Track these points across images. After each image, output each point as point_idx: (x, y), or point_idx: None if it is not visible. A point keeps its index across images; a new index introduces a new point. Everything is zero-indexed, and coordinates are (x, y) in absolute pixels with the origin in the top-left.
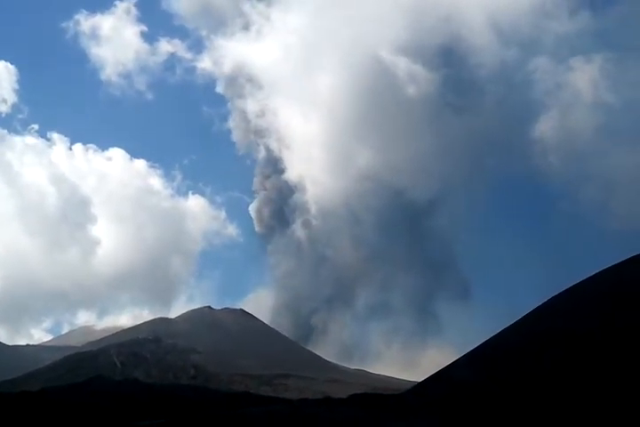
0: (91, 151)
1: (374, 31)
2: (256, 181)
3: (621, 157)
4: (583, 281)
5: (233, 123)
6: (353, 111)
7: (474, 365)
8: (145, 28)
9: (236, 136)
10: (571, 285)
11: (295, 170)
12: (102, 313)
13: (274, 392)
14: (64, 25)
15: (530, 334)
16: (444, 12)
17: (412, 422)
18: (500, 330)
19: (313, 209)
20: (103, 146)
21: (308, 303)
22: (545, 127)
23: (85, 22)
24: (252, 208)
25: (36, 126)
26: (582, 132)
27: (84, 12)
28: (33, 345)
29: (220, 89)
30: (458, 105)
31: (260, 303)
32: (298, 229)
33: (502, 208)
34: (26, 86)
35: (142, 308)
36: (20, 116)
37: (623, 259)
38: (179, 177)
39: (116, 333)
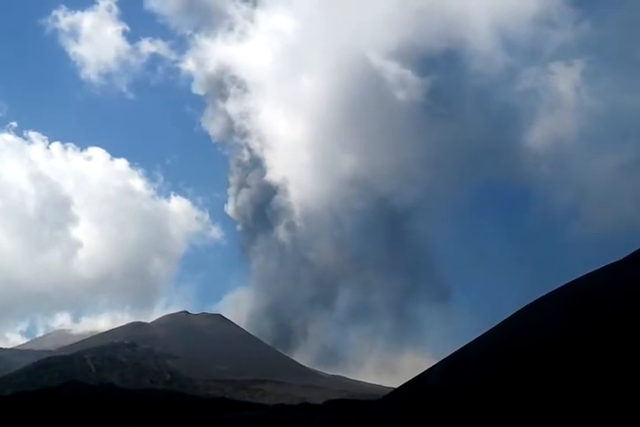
0: (70, 150)
1: (363, 34)
2: (234, 180)
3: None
4: (562, 287)
5: (215, 123)
6: (338, 115)
7: (448, 372)
8: (127, 28)
9: (218, 136)
10: (549, 291)
11: (278, 172)
12: (81, 316)
13: (250, 398)
14: (42, 21)
15: (505, 343)
16: (436, 17)
17: None
18: (475, 337)
19: (297, 211)
20: (82, 145)
21: (289, 306)
22: (531, 135)
23: (64, 19)
24: (230, 207)
25: (14, 124)
26: (567, 139)
27: (63, 8)
28: (6, 349)
29: (202, 89)
30: (444, 111)
31: (241, 307)
32: (281, 232)
33: (484, 213)
34: (4, 83)
35: (122, 311)
36: None
37: (603, 265)
38: (160, 178)
39: (92, 337)
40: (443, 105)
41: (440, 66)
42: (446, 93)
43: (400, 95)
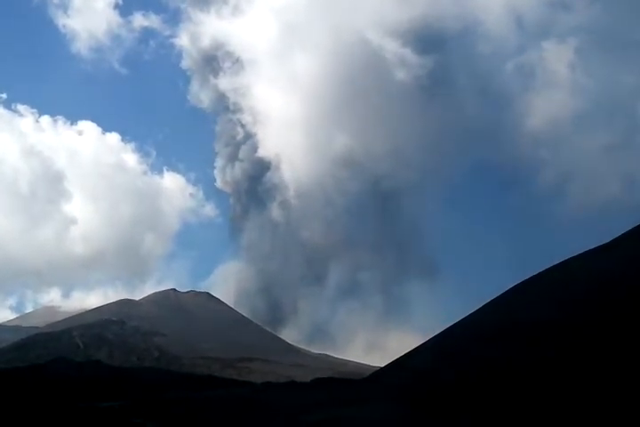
0: (60, 123)
1: (363, 11)
2: (224, 153)
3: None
4: (549, 269)
5: (207, 99)
6: (334, 94)
7: (434, 352)
8: (119, 0)
9: (211, 112)
10: (536, 270)
11: (270, 149)
12: (72, 292)
13: (237, 375)
14: None
15: (490, 324)
16: None
17: (373, 407)
18: (463, 317)
19: (290, 189)
20: (72, 118)
21: (279, 284)
22: (527, 116)
23: None
24: (218, 180)
25: (4, 96)
26: (561, 119)
27: None
28: None
29: (195, 64)
30: (441, 92)
31: (230, 284)
32: (273, 209)
33: (474, 194)
34: None
35: (114, 287)
36: None
37: (590, 244)
38: (153, 153)
39: (80, 314)
40: (440, 86)
41: (440, 45)
42: (444, 74)
43: (398, 75)
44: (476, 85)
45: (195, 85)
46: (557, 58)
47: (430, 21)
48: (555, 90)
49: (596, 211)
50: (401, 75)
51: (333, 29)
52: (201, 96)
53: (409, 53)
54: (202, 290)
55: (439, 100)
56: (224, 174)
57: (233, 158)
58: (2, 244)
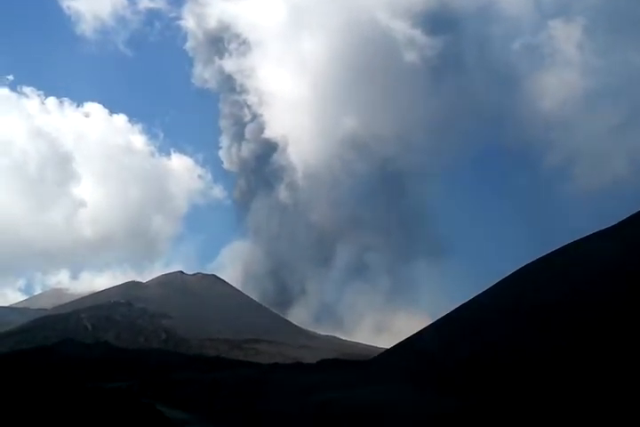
0: (66, 105)
1: None
2: (230, 133)
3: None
4: (557, 250)
5: (214, 80)
6: (342, 76)
7: (441, 334)
8: None
9: (218, 93)
10: (543, 254)
11: (277, 130)
12: (81, 274)
13: (245, 357)
14: None
15: (498, 305)
16: None
17: (379, 388)
18: (468, 299)
19: (298, 171)
20: (78, 100)
21: (287, 266)
22: (538, 98)
23: None
24: (224, 160)
25: (11, 77)
26: (571, 101)
27: None
28: (2, 307)
29: (200, 46)
30: (450, 74)
31: (237, 265)
32: (280, 191)
33: (482, 175)
34: None
35: (123, 270)
36: None
37: (596, 224)
38: (160, 134)
39: (88, 296)
40: (449, 67)
41: (451, 26)
42: (454, 55)
43: (408, 56)
44: (486, 66)
45: (199, 67)
46: (566, 37)
47: (442, 1)
48: (563, 70)
49: (603, 191)
50: (410, 56)
51: (342, 10)
52: (207, 77)
53: (419, 34)
54: (209, 272)
55: (448, 81)
56: (230, 154)
57: (239, 138)
58: (11, 226)
